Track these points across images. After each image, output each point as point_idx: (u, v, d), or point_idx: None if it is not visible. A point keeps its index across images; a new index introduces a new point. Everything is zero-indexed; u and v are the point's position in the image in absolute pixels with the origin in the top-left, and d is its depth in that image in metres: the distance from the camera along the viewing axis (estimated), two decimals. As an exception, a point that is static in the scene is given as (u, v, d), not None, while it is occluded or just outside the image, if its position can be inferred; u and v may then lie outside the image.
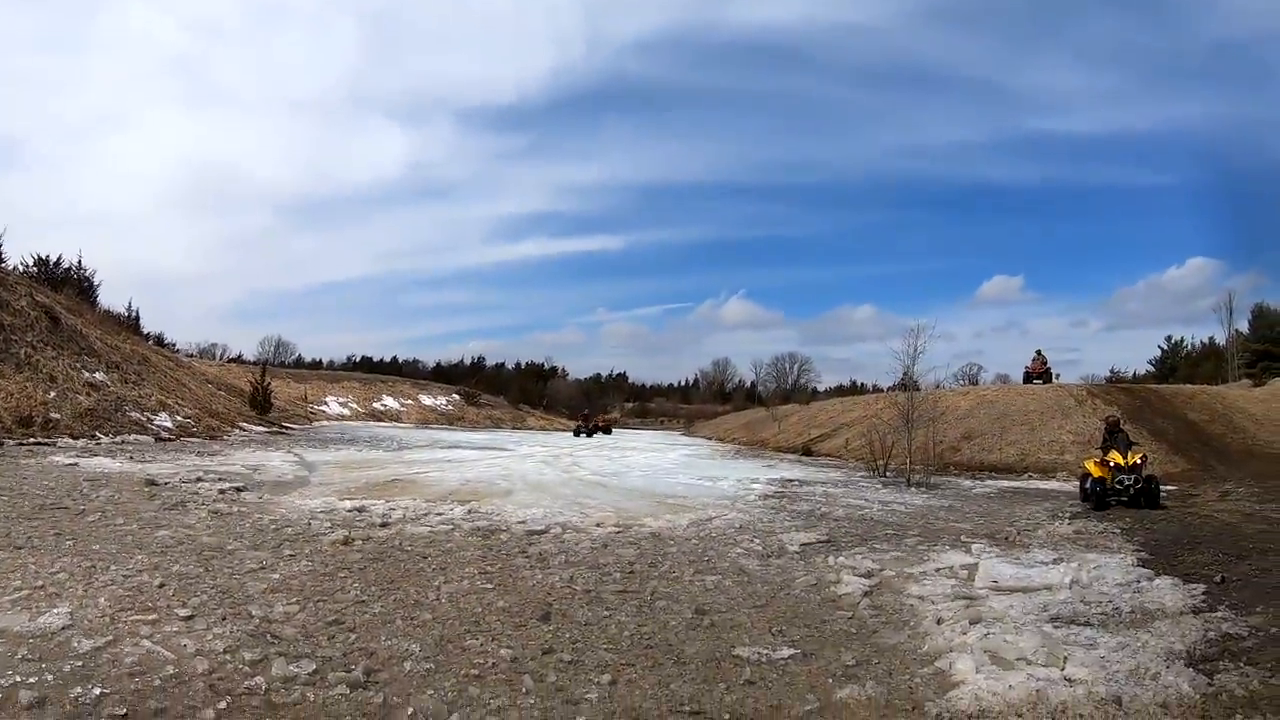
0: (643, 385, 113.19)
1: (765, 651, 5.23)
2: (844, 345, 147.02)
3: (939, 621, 5.91)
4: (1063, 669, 4.71)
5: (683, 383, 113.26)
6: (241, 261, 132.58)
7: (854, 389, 76.44)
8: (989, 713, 4.21)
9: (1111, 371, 54.19)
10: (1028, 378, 31.59)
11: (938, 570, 7.79)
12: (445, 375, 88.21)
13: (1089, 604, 6.30)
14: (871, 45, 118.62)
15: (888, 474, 19.31)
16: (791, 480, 18.14)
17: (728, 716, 4.19)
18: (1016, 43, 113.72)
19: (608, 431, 48.93)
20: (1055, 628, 5.60)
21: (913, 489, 16.53)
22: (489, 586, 6.61)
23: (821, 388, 79.32)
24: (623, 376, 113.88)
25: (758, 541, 9.16)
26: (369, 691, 4.24)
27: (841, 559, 8.22)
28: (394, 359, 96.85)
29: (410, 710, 4.05)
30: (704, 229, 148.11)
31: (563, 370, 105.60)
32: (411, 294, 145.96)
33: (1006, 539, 9.69)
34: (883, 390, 33.11)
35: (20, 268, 28.18)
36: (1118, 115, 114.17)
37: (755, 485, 16.48)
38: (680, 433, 62.46)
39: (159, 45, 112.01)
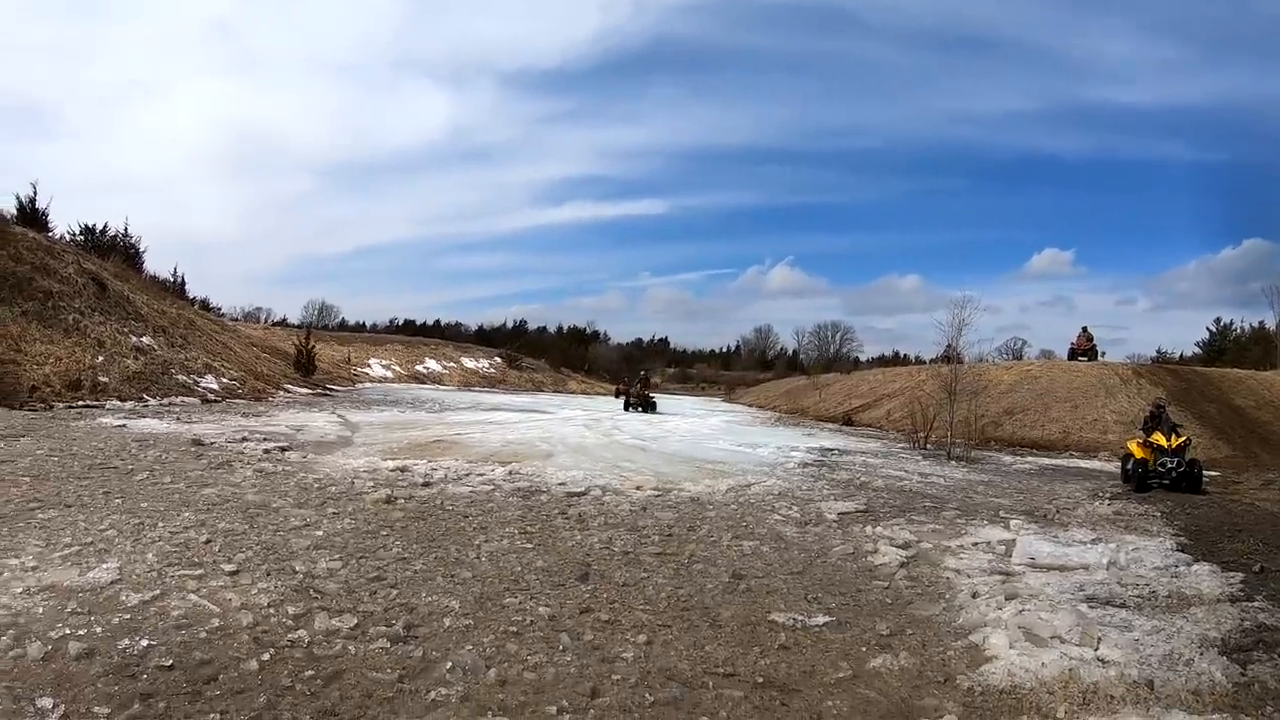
0: (684, 351, 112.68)
1: (800, 618, 5.25)
2: (888, 315, 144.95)
3: (974, 596, 5.89)
4: (1096, 650, 4.67)
5: (724, 349, 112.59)
6: (283, 225, 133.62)
7: (897, 360, 75.98)
8: (1021, 689, 4.19)
9: (1158, 352, 52.69)
10: (1073, 354, 30.94)
11: (975, 544, 7.75)
12: (487, 338, 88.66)
13: (1125, 586, 6.23)
14: (924, 6, 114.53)
15: (928, 446, 19.13)
16: (831, 449, 18.10)
17: (761, 680, 4.21)
18: (1074, 8, 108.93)
19: (650, 407, 32.62)
20: (1090, 608, 5.54)
21: (953, 462, 16.38)
22: (529, 546, 6.70)
23: (864, 357, 78.47)
24: (664, 341, 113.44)
25: (796, 509, 9.17)
26: (409, 646, 4.33)
27: (879, 529, 8.21)
28: (436, 322, 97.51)
29: (449, 664, 4.12)
30: (749, 194, 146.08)
31: (604, 334, 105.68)
32: (453, 257, 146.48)
33: (1045, 516, 9.59)
34: (926, 362, 32.83)
35: (67, 236, 28.75)
36: (1177, 88, 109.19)
37: (795, 453, 16.47)
38: (721, 399, 62.31)
39: (198, 10, 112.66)
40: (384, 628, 4.54)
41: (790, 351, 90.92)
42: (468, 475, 10.17)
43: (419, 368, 54.69)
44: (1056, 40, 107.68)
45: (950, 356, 20.47)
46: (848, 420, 29.85)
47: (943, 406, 19.23)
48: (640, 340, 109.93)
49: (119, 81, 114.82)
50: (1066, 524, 9.05)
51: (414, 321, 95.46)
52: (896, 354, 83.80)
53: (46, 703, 3.35)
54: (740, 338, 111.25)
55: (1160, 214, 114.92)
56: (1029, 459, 18.56)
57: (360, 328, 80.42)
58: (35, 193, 26.76)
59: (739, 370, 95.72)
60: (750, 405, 49.55)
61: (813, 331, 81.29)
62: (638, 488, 9.98)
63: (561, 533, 7.31)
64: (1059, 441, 21.59)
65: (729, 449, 16.84)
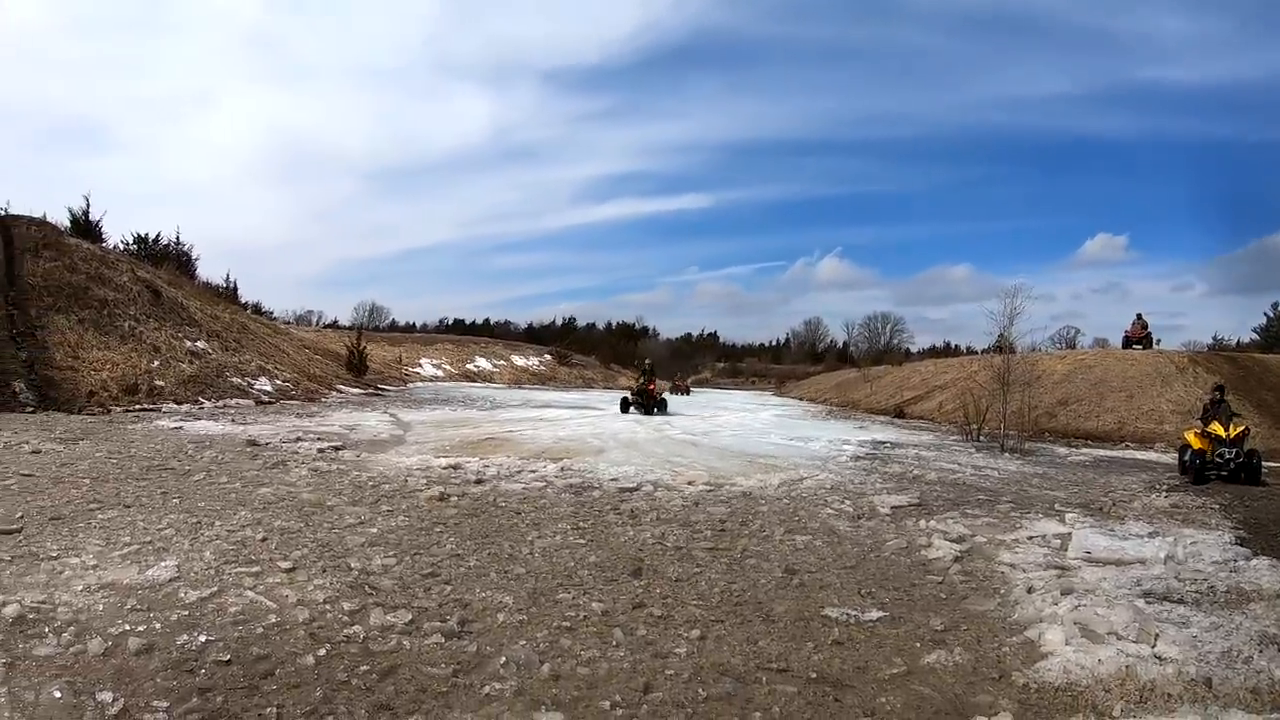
0: (734, 345, 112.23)
1: (854, 613, 5.19)
2: (939, 306, 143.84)
3: (1030, 591, 5.76)
4: (1153, 646, 4.53)
5: (774, 342, 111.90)
6: (331, 230, 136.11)
7: (948, 350, 74.73)
8: (1076, 686, 4.09)
9: (1214, 338, 51.15)
10: (1127, 343, 30.15)
11: (1030, 538, 7.59)
12: (537, 336, 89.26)
13: (1183, 581, 6.04)
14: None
15: (981, 438, 18.82)
16: (883, 442, 17.92)
17: (814, 675, 4.17)
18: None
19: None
20: (1148, 603, 5.38)
21: (1006, 454, 16.07)
22: (581, 542, 6.73)
23: (914, 349, 77.95)
24: (714, 336, 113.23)
25: (849, 503, 9.08)
26: (463, 641, 4.36)
27: (933, 523, 8.09)
28: (486, 321, 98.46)
29: (503, 659, 4.14)
30: (795, 186, 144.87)
31: (654, 330, 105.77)
32: (500, 257, 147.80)
33: (1101, 509, 9.36)
34: (978, 352, 32.20)
35: (121, 245, 29.76)
36: (1230, 65, 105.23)
37: (846, 446, 16.34)
38: (771, 393, 61.94)
39: (239, 21, 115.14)
40: (438, 623, 4.58)
41: (840, 344, 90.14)
42: (520, 472, 10.24)
43: (469, 366, 55.15)
44: (1103, 20, 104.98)
45: (1002, 346, 20.04)
46: (899, 413, 29.45)
47: (995, 397, 18.85)
48: (690, 335, 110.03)
49: (167, 95, 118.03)
50: (1123, 517, 8.82)
51: (463, 321, 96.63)
52: (948, 345, 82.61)
53: (106, 696, 3.43)
54: (790, 331, 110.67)
55: (1216, 196, 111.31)
56: (1084, 450, 18.14)
57: (410, 328, 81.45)
58: (88, 205, 27.85)
59: (789, 364, 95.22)
60: (801, 399, 49.19)
61: (863, 323, 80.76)
62: (690, 483, 9.96)
63: (614, 528, 7.33)
64: (1114, 432, 21.05)
65: (780, 443, 16.73)
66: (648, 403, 24.89)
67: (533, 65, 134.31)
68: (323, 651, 4.08)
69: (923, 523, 8.11)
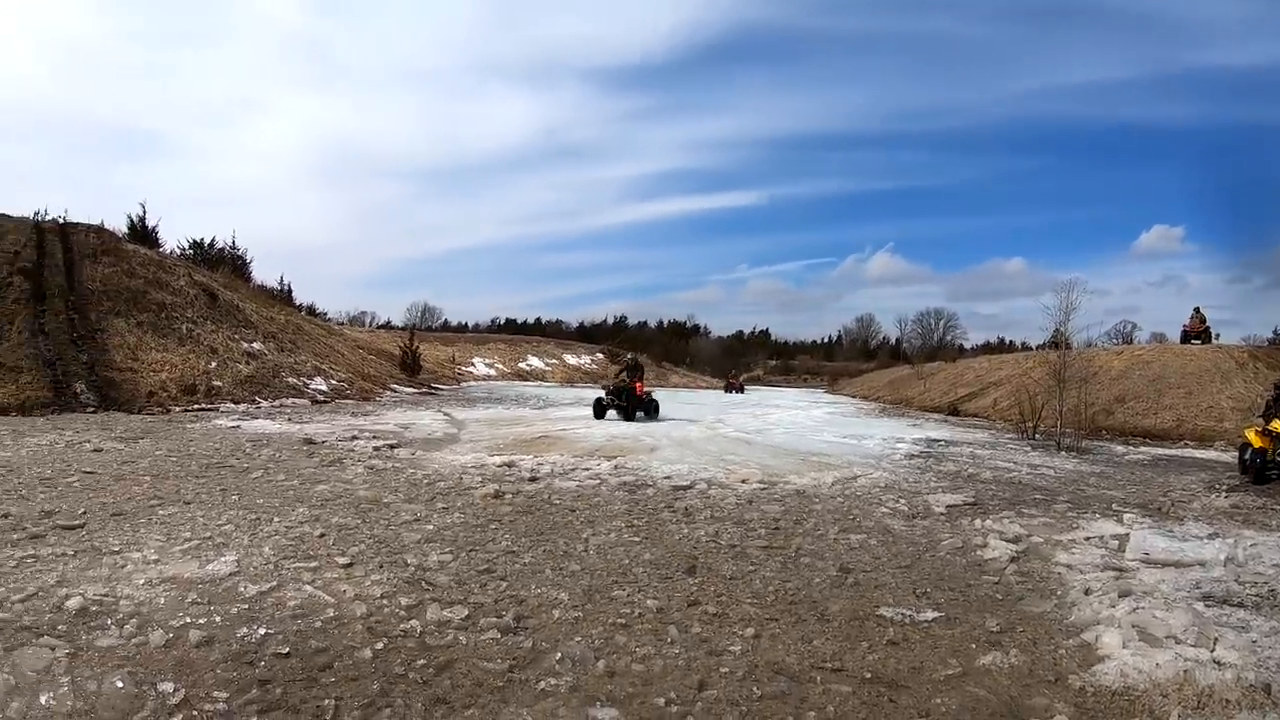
0: (785, 342, 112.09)
1: (909, 613, 5.12)
2: (992, 301, 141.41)
3: (1087, 592, 5.63)
4: (1212, 651, 4.38)
5: (826, 339, 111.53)
6: (383, 231, 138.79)
7: (1002, 347, 74.47)
8: (1134, 690, 3.98)
9: (1275, 332, 49.44)
10: (1185, 337, 29.25)
11: (1087, 539, 7.41)
12: (588, 335, 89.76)
13: (1244, 584, 5.84)
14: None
15: (1036, 436, 18.50)
16: (937, 440, 17.70)
17: (869, 675, 4.11)
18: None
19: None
20: (1207, 607, 5.22)
21: (1063, 453, 15.71)
22: (636, 540, 6.73)
23: (968, 345, 77.04)
24: (765, 333, 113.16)
25: (903, 502, 8.97)
26: (519, 637, 4.39)
27: (988, 522, 7.95)
28: (537, 320, 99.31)
29: (558, 655, 4.15)
30: (845, 181, 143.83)
31: (705, 328, 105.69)
32: (550, 256, 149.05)
33: (1160, 510, 9.10)
34: (1032, 348, 31.55)
35: (177, 250, 30.65)
36: None
37: (900, 445, 16.17)
38: (823, 390, 61.60)
39: (283, 28, 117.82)
40: (494, 619, 4.61)
41: (893, 341, 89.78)
42: (574, 470, 10.28)
43: (522, 365, 55.65)
44: (1156, 2, 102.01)
45: (1058, 342, 19.61)
46: (953, 410, 29.02)
47: (1051, 394, 18.46)
48: (741, 333, 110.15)
49: (217, 102, 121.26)
50: (1182, 518, 8.57)
51: (515, 320, 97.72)
52: (1002, 341, 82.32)
53: (168, 687, 3.51)
54: (842, 328, 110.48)
55: (1276, 184, 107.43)
56: (1141, 449, 17.64)
57: (463, 328, 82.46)
58: (144, 211, 28.96)
59: (841, 361, 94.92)
60: (854, 396, 48.95)
61: (915, 319, 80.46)
62: (743, 481, 9.91)
63: (668, 526, 7.32)
64: (1172, 430, 20.43)
65: (833, 441, 16.61)
66: (630, 404, 20.16)
67: (575, 64, 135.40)
68: (380, 645, 4.13)
69: (978, 522, 7.99)
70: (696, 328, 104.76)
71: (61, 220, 23.40)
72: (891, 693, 3.94)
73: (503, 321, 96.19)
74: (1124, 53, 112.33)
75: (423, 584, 5.21)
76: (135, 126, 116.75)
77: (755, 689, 3.88)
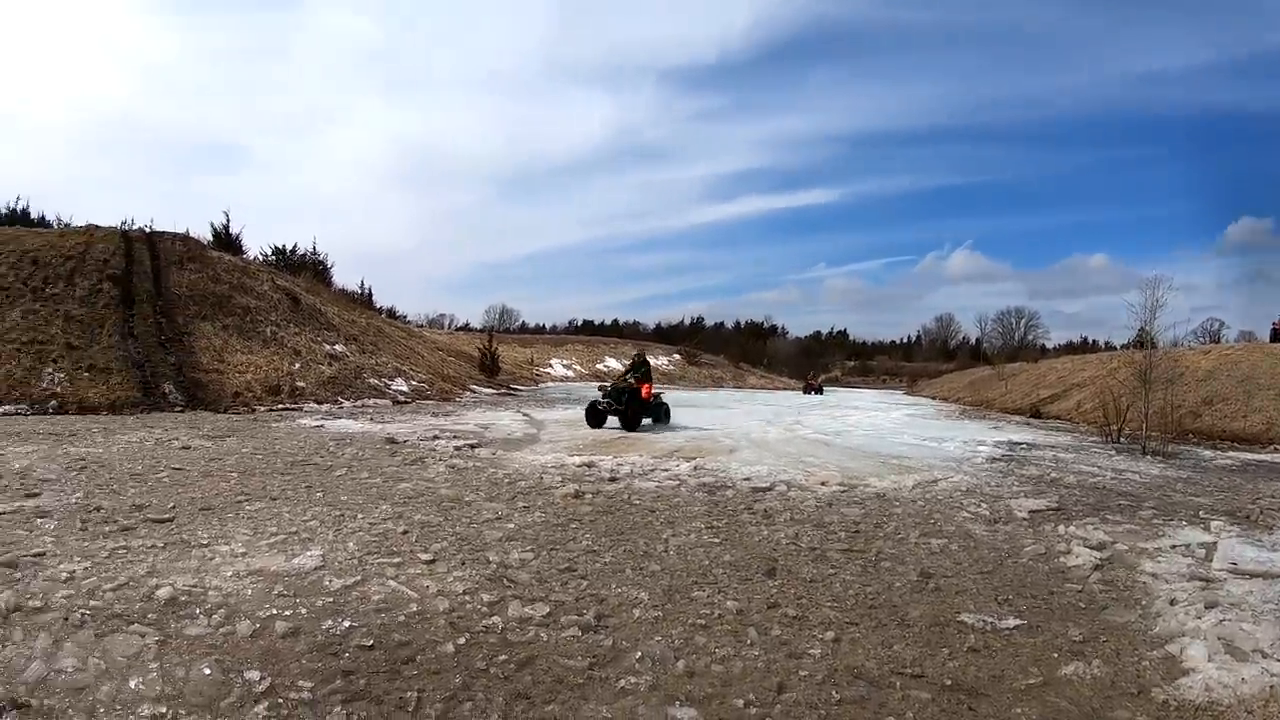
0: (863, 342, 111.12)
1: (990, 620, 4.98)
2: (1075, 298, 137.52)
3: (1172, 603, 5.40)
4: None
5: (904, 339, 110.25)
6: (460, 234, 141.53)
7: (1085, 346, 72.65)
8: (1218, 705, 3.82)
9: None
10: (1275, 335, 28.12)
11: (1173, 547, 7.11)
12: (665, 335, 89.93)
13: None
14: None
15: (1121, 440, 17.83)
16: (1019, 443, 17.26)
17: (949, 682, 4.01)
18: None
19: (819, 391, 42.02)
20: None
21: (1148, 457, 15.11)
22: (715, 541, 6.69)
23: (1050, 344, 75.78)
24: (843, 334, 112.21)
25: (985, 506, 8.76)
26: (599, 635, 4.40)
27: (1072, 529, 7.69)
28: (614, 321, 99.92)
29: (639, 654, 4.15)
30: (923, 177, 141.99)
31: (782, 328, 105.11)
32: (628, 257, 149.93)
33: (1249, 518, 8.66)
34: (1116, 348, 30.51)
35: (260, 257, 31.82)
36: None
37: (982, 448, 15.79)
38: (903, 391, 60.59)
39: (359, 42, 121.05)
40: (575, 617, 4.63)
41: (973, 340, 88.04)
42: (653, 470, 10.26)
43: (599, 366, 55.91)
44: None
45: (1144, 341, 18.87)
46: (1035, 412, 28.28)
47: (1136, 396, 17.73)
48: (819, 333, 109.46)
49: (297, 114, 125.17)
50: (1271, 526, 8.16)
51: (592, 322, 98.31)
52: (1084, 340, 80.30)
53: (254, 675, 3.59)
54: (921, 327, 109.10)
55: None
56: (1230, 453, 16.89)
57: (540, 330, 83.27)
58: (228, 220, 30.34)
59: (920, 361, 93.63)
60: (933, 398, 48.26)
61: (996, 318, 79.67)
62: (823, 483, 9.80)
63: (748, 528, 7.26)
64: (1263, 434, 19.47)
65: (913, 443, 16.33)
66: (631, 409, 17.17)
67: (650, 65, 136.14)
68: (462, 640, 4.17)
69: (1061, 528, 7.75)
70: (774, 328, 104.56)
71: (148, 229, 24.63)
72: (971, 701, 3.85)
73: (580, 323, 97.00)
74: (1207, 35, 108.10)
75: (504, 581, 5.24)
76: (216, 140, 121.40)
77: (834, 693, 3.83)
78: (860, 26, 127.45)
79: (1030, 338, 75.34)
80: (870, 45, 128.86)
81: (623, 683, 3.81)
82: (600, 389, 18.73)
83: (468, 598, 4.84)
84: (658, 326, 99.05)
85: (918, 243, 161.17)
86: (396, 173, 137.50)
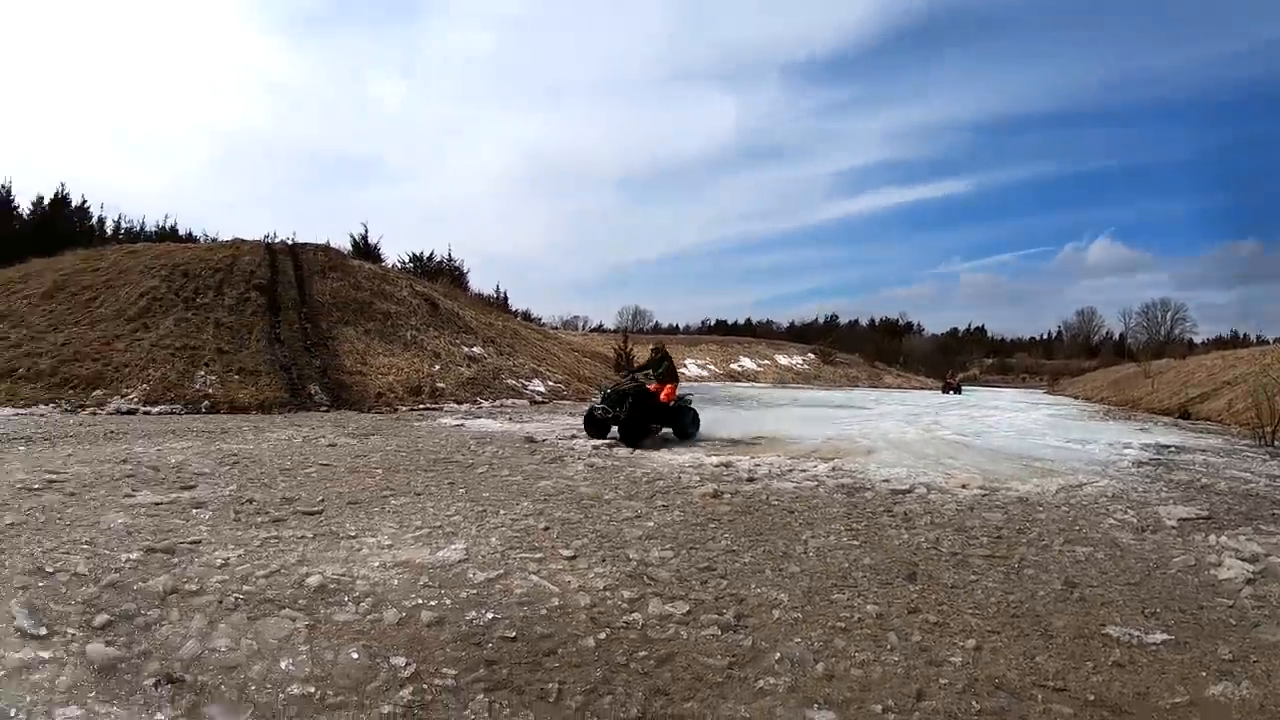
0: (1001, 339, 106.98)
1: (1136, 633, 4.70)
2: (1224, 289, 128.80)
3: None
4: None
5: (1043, 336, 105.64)
6: (591, 238, 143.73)
7: (1236, 341, 68.17)
8: None
9: None
10: None
11: None
12: (799, 334, 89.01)
13: None
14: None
15: (1276, 443, 16.51)
16: (1168, 446, 16.18)
17: (1092, 698, 3.81)
18: None
19: (958, 390, 41.84)
20: None
21: None
22: (855, 543, 6.57)
23: (1198, 339, 71.40)
24: (980, 330, 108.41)
25: (1131, 513, 8.27)
26: (739, 635, 4.37)
27: (1223, 539, 7.16)
28: (747, 321, 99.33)
29: (778, 655, 4.11)
30: (1058, 163, 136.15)
31: (918, 325, 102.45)
32: (759, 255, 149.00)
33: None
34: (1269, 342, 28.29)
35: (398, 264, 33.35)
36: None
37: (1128, 451, 14.89)
38: (1043, 390, 58.08)
39: (479, 54, 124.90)
40: (715, 615, 4.62)
41: (1116, 336, 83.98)
42: (790, 471, 10.15)
43: (733, 366, 55.86)
44: None
45: None
46: (1184, 413, 26.47)
47: None
48: (955, 330, 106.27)
49: (428, 127, 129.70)
50: None
51: (725, 321, 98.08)
52: (1235, 334, 75.05)
53: (400, 661, 3.73)
54: (1061, 323, 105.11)
55: None
56: None
57: (674, 330, 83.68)
58: (366, 230, 32.44)
59: (1061, 359, 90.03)
60: (1075, 397, 46.35)
61: (1140, 312, 76.30)
62: (963, 486, 9.49)
63: (887, 531, 7.11)
64: None
65: (1056, 445, 15.58)
66: (632, 415, 12.86)
67: (769, 61, 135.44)
68: (603, 635, 4.22)
69: (1212, 538, 7.23)
70: (909, 325, 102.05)
71: (290, 241, 26.54)
72: (1115, 718, 3.66)
73: (713, 323, 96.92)
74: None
75: (644, 578, 5.28)
76: (348, 154, 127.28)
77: (974, 703, 3.71)
78: (984, 7, 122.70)
79: (1177, 332, 71.79)
80: (996, 26, 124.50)
81: (761, 683, 3.78)
82: (602, 391, 14.68)
83: (608, 594, 4.89)
84: (790, 325, 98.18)
85: (1055, 233, 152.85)
86: (524, 179, 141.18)
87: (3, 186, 50.55)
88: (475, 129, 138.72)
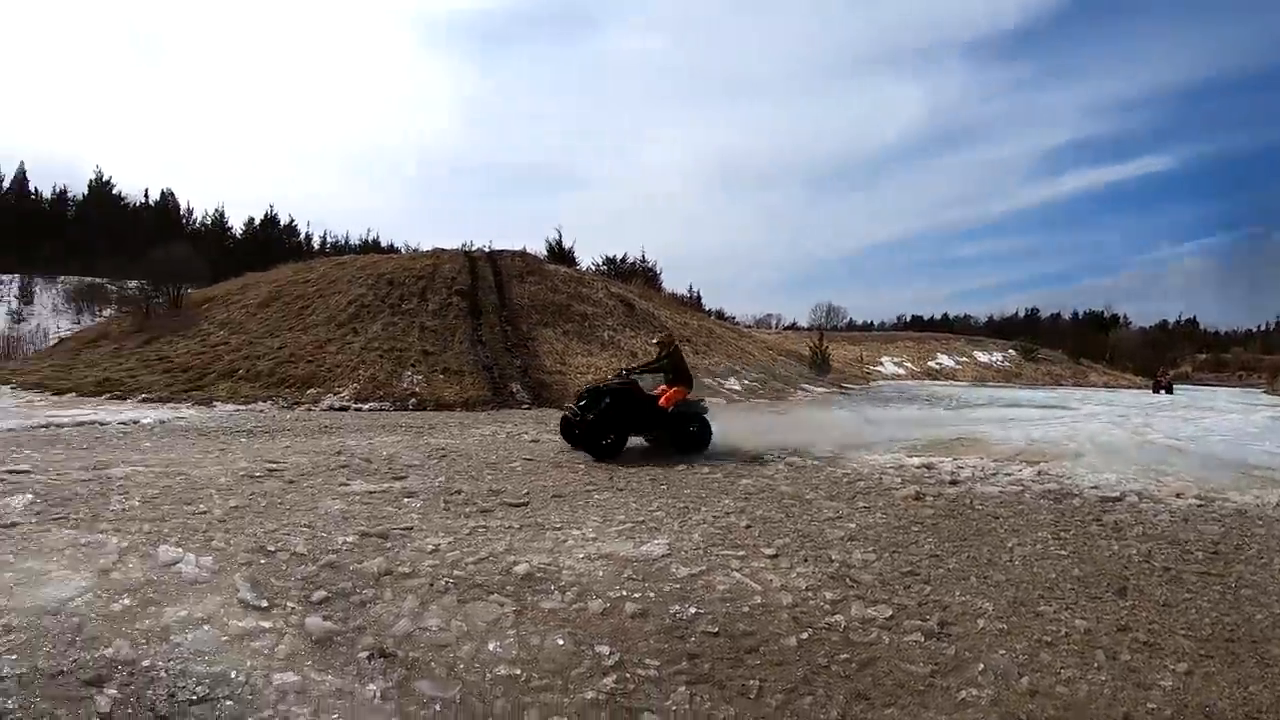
0: (1215, 332, 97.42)
1: None
2: None
3: None
4: None
5: (1263, 327, 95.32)
6: (778, 234, 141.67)
7: None
8: None
9: None
10: None
11: None
12: (997, 329, 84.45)
13: None
14: None
15: None
16: None
17: None
18: None
19: (1169, 390, 38.10)
20: None
21: None
22: (1063, 553, 6.26)
23: None
24: (1191, 323, 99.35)
25: None
26: (942, 643, 4.27)
27: None
28: (944, 315, 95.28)
29: (981, 666, 3.99)
30: (1273, 129, 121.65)
31: (1124, 318, 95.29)
32: (950, 247, 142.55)
33: None
34: None
35: (592, 267, 34.48)
36: None
37: None
38: (1262, 389, 52.64)
39: (656, 57, 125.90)
40: (918, 621, 4.52)
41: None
42: (994, 474, 9.77)
43: (930, 364, 53.95)
44: None
45: None
46: None
47: None
48: (1165, 322, 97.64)
49: (608, 134, 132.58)
50: None
51: (921, 317, 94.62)
52: None
53: (604, 649, 3.86)
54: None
55: None
56: None
57: (868, 327, 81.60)
58: (560, 236, 34.10)
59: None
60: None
61: None
62: (1177, 495, 8.81)
63: (1097, 541, 6.72)
64: None
65: (1277, 452, 14.13)
66: (604, 419, 10.45)
67: (953, 40, 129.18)
68: (804, 636, 4.21)
69: None
70: (1115, 318, 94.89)
71: (488, 249, 28.56)
72: None
73: (908, 319, 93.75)
74: None
75: (847, 580, 5.22)
76: (536, 163, 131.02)
77: None
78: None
79: None
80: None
81: (964, 694, 3.69)
82: (581, 393, 12.09)
83: (810, 594, 4.87)
84: (989, 320, 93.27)
85: (1275, 211, 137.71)
86: (709, 178, 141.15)
87: (218, 210, 59.66)
88: (658, 132, 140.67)
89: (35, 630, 3.73)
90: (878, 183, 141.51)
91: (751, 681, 3.62)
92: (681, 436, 11.12)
